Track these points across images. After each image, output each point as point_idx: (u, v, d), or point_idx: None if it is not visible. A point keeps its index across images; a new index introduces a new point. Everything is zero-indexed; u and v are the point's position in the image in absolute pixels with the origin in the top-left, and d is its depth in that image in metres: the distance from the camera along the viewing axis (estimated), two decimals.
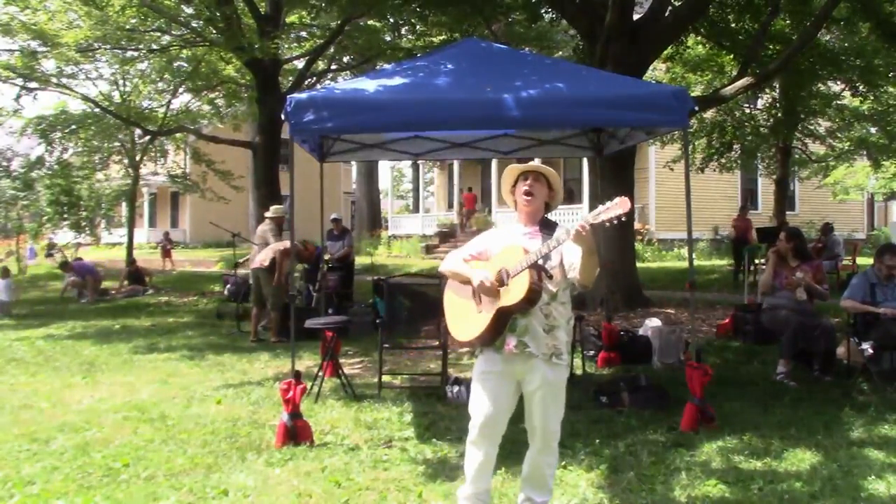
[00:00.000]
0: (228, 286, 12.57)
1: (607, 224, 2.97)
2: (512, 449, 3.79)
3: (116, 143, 21.67)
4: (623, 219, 2.96)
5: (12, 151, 20.47)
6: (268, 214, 10.12)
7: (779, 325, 6.57)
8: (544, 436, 3.35)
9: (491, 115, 5.14)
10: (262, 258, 9.18)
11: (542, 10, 12.70)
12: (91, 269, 15.61)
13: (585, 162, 15.90)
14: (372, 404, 5.80)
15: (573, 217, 21.85)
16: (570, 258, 3.24)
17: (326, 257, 10.72)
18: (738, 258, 14.54)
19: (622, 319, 9.58)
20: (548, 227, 3.36)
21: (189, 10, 14.33)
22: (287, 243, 9.20)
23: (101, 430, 5.24)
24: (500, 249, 3.35)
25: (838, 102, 16.94)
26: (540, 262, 3.17)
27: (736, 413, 5.37)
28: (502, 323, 3.26)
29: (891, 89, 15.87)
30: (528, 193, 3.37)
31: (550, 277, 3.24)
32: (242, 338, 9.47)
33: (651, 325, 7.74)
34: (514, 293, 3.18)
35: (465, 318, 3.39)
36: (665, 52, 12.83)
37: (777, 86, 16.14)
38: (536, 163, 3.52)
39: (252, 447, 4.77)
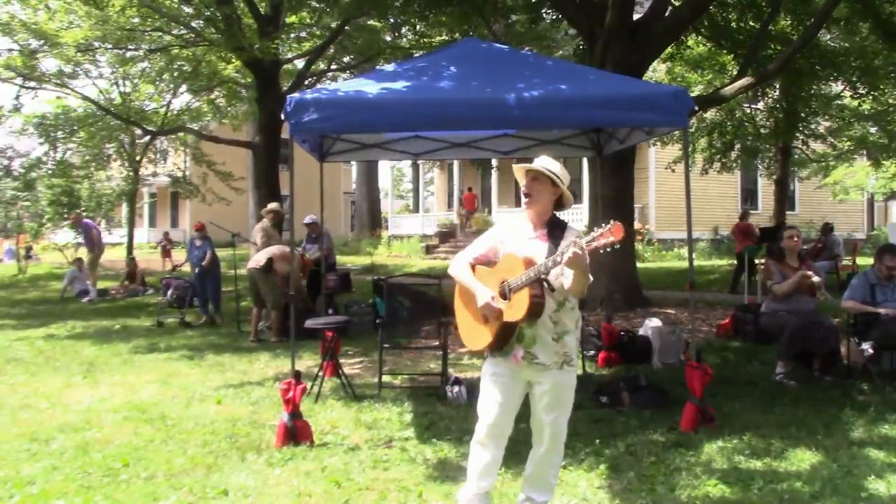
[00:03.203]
0: (171, 290, 11.52)
1: (601, 251, 2.87)
2: (514, 449, 3.77)
3: (115, 143, 21.67)
4: (616, 246, 2.85)
5: (13, 151, 20.47)
6: (264, 211, 10.15)
7: (778, 328, 6.56)
8: (554, 435, 3.35)
9: (491, 115, 5.14)
10: (258, 259, 9.19)
11: (543, 11, 12.70)
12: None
13: (585, 162, 15.87)
14: (372, 404, 5.79)
15: (574, 217, 21.87)
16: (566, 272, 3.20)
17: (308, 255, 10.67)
18: (742, 263, 13.88)
19: (622, 319, 9.57)
20: (556, 228, 3.29)
21: (189, 10, 14.34)
22: (285, 248, 9.20)
23: (101, 430, 5.24)
24: (501, 258, 3.31)
25: (838, 102, 16.93)
26: (543, 276, 3.11)
27: (736, 413, 5.37)
28: (508, 334, 3.25)
29: (891, 89, 15.84)
30: (526, 195, 3.31)
31: (553, 290, 3.19)
32: (242, 338, 9.47)
33: (651, 325, 7.74)
34: (515, 309, 3.17)
35: (472, 327, 3.39)
36: (665, 52, 12.81)
37: (777, 86, 16.11)
38: (540, 161, 3.36)
39: (252, 447, 4.77)
